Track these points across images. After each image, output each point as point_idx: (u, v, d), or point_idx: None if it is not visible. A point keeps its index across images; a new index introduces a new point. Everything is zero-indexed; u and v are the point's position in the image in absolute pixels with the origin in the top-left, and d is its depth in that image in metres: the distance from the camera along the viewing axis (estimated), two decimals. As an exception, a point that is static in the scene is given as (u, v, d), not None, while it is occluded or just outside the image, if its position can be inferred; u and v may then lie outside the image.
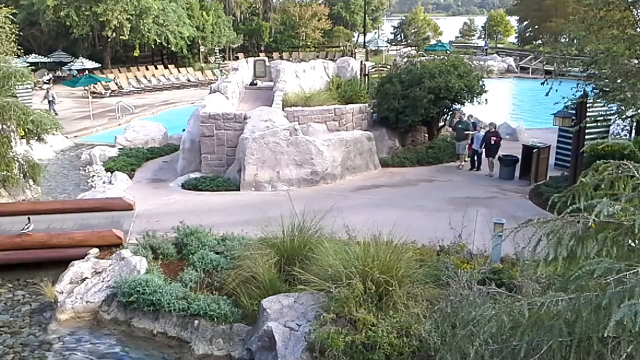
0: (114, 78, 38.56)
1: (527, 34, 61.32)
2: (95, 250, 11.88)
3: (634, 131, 16.74)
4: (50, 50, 42.89)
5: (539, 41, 56.02)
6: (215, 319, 9.31)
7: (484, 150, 17.88)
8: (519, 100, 38.85)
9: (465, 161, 18.69)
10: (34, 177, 15.77)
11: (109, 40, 41.01)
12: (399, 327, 7.76)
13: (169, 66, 44.65)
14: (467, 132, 18.41)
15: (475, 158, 18.31)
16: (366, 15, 59.21)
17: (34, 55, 39.50)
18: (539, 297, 5.05)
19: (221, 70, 42.09)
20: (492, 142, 17.51)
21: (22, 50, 24.51)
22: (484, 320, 5.04)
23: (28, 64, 25.21)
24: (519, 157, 17.38)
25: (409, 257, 9.08)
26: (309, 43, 55.65)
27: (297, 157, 16.42)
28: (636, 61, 13.18)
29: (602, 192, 5.12)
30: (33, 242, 12.12)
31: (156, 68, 43.98)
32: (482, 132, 18.08)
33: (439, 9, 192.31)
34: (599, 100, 14.04)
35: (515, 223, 5.68)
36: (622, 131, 16.86)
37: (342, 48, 55.83)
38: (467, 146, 18.51)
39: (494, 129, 17.93)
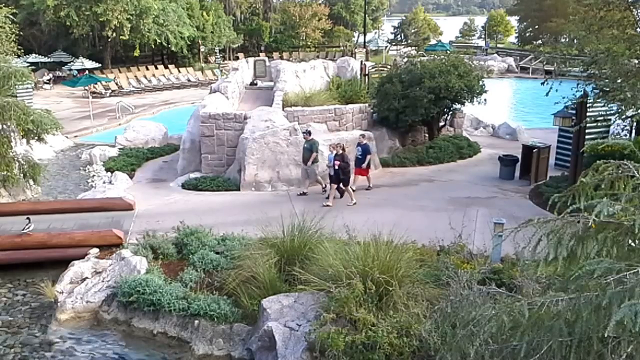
0: (114, 78, 38.57)
1: (527, 34, 61.39)
2: (95, 250, 11.87)
3: (634, 131, 16.75)
4: (51, 50, 42.89)
5: (539, 41, 56.04)
6: (216, 319, 9.31)
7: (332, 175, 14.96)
8: (519, 101, 38.86)
9: (315, 186, 15.75)
10: (34, 177, 15.77)
11: (109, 40, 41.01)
12: (399, 327, 7.75)
13: (169, 66, 44.66)
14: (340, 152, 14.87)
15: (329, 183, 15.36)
16: (366, 15, 59.21)
17: (34, 55, 39.50)
18: (539, 297, 5.05)
19: (221, 70, 42.08)
20: (336, 168, 14.59)
21: (22, 50, 24.49)
22: (484, 320, 5.04)
23: (28, 64, 25.24)
24: (519, 157, 17.38)
25: (409, 257, 9.08)
26: (309, 43, 55.66)
27: (297, 157, 16.40)
28: (636, 61, 13.18)
29: (602, 192, 5.12)
30: (33, 242, 12.12)
31: (156, 68, 43.99)
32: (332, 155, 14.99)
33: (439, 9, 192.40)
34: (599, 100, 14.05)
35: (516, 223, 5.68)
36: (622, 131, 16.86)
37: (342, 48, 55.81)
38: (315, 170, 15.64)
39: (341, 151, 14.81)
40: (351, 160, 15.42)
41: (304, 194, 15.63)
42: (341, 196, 15.14)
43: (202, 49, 48.63)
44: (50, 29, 40.76)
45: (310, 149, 15.50)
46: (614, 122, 16.12)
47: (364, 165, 15.81)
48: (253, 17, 57.96)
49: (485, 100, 20.01)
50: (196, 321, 9.40)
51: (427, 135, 20.77)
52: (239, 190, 16.19)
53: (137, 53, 44.26)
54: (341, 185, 14.96)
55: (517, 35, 66.75)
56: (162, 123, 24.18)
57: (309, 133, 15.75)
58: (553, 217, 5.17)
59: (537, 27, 57.75)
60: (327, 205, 14.39)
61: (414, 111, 18.87)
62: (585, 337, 4.41)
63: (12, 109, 14.09)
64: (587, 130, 14.56)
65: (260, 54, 48.45)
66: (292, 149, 16.40)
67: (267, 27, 55.61)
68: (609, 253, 4.78)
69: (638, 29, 13.74)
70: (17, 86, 17.15)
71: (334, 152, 14.85)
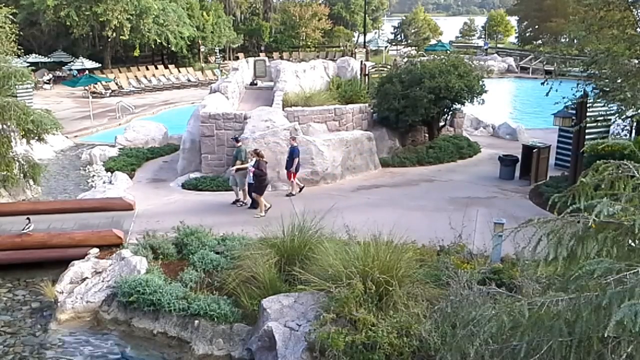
0: (114, 78, 38.57)
1: (527, 34, 61.38)
2: (95, 250, 11.87)
3: (634, 131, 16.75)
4: (51, 50, 42.88)
5: (539, 41, 56.04)
6: (216, 319, 9.31)
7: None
8: (519, 101, 38.86)
9: (245, 199, 14.84)
10: (34, 177, 15.77)
11: (109, 40, 41.00)
12: (399, 327, 7.76)
13: (169, 66, 44.66)
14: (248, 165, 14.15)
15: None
16: (366, 15, 59.20)
17: (34, 55, 39.49)
18: (539, 297, 5.04)
19: (221, 70, 42.10)
20: (252, 175, 14.00)
21: (22, 50, 24.51)
22: (484, 320, 5.04)
23: (28, 64, 25.30)
24: (519, 157, 17.38)
25: (409, 257, 9.08)
26: (309, 43, 55.64)
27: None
28: (636, 61, 13.19)
29: (602, 192, 5.11)
30: (33, 242, 12.12)
31: (156, 68, 43.99)
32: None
33: (439, 9, 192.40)
34: (599, 100, 14.05)
35: (516, 223, 5.68)
36: (622, 131, 16.86)
37: (342, 48, 55.80)
38: (240, 178, 14.72)
39: (256, 158, 14.03)
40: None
41: (239, 202, 14.92)
42: (252, 205, 14.44)
43: (202, 49, 48.62)
44: (50, 29, 40.75)
45: (235, 157, 14.92)
46: (614, 122, 16.13)
47: (292, 169, 15.30)
48: (253, 17, 57.97)
49: (483, 100, 19.99)
50: (196, 321, 9.40)
51: (427, 135, 20.78)
52: (239, 190, 16.18)
53: (137, 53, 44.26)
54: (254, 193, 14.22)
55: (517, 35, 66.76)
56: (162, 123, 24.18)
57: (237, 140, 15.20)
58: (553, 217, 5.17)
59: (537, 27, 57.74)
60: (261, 216, 13.61)
61: (414, 111, 18.87)
62: (585, 337, 4.41)
63: (12, 109, 14.09)
64: (587, 130, 14.56)
65: (260, 54, 48.45)
66: (292, 149, 16.39)
67: (267, 27, 55.61)
68: (609, 253, 4.78)
69: (638, 29, 13.73)
70: (17, 86, 17.17)
71: (253, 159, 14.11)
